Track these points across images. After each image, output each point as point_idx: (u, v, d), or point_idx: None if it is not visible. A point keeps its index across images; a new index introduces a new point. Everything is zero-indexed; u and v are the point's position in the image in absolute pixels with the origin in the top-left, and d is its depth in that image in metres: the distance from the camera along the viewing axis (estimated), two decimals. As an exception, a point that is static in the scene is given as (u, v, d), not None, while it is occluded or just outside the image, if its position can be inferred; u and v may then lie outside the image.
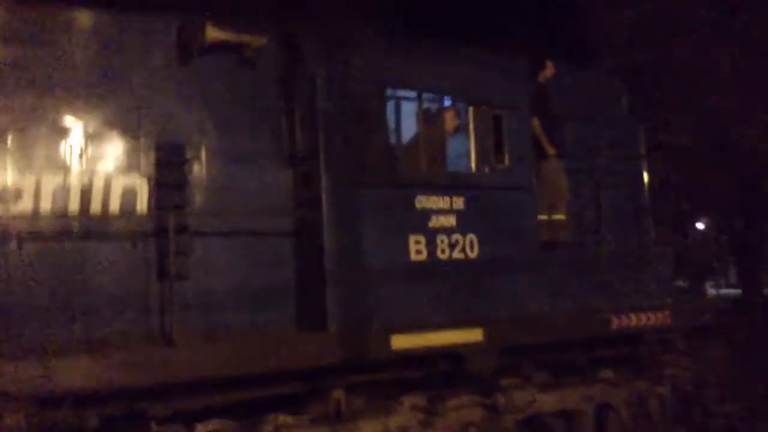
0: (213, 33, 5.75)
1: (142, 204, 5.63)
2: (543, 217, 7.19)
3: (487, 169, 6.67)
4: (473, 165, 6.66)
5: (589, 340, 7.26)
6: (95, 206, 5.45)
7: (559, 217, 7.29)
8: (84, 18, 5.55)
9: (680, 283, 9.95)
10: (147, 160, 5.67)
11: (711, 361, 8.00)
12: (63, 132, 5.41)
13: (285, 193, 6.16)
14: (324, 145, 5.94)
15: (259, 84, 6.14)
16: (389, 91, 6.25)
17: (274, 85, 6.19)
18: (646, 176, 8.25)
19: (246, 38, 5.96)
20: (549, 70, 7.33)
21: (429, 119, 6.61)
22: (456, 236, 6.44)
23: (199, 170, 5.86)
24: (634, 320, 7.28)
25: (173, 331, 5.27)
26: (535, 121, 7.11)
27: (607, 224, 7.51)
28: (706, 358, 7.95)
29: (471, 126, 6.66)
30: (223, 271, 5.84)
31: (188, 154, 5.78)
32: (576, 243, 7.40)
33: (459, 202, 6.49)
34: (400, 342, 6.00)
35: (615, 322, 7.16)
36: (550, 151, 7.16)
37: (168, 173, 5.69)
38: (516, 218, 6.77)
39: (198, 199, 5.83)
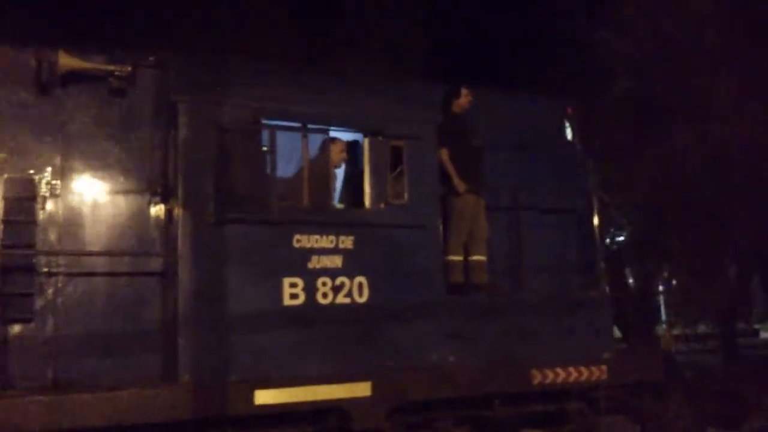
0: (66, 60, 5.46)
1: (-14, 242, 5.34)
2: (457, 258, 6.52)
3: (382, 205, 6.11)
4: (367, 200, 6.10)
5: (515, 395, 6.49)
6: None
7: (478, 258, 6.60)
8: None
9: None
10: (-6, 196, 5.38)
11: (665, 420, 7.08)
12: None
13: (154, 230, 5.76)
14: (183, 179, 5.52)
15: (130, 115, 5.82)
16: (266, 121, 5.78)
17: (146, 115, 5.84)
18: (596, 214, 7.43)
19: (109, 66, 5.64)
20: (464, 99, 6.68)
21: (314, 151, 6.11)
22: (341, 279, 5.87)
23: (54, 206, 5.53)
24: (561, 375, 6.48)
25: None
26: (445, 154, 6.48)
27: (534, 267, 6.75)
28: (658, 416, 7.04)
29: (366, 158, 6.13)
30: (78, 315, 5.50)
31: (41, 190, 5.47)
32: (496, 287, 6.67)
33: (347, 242, 5.94)
34: (266, 397, 5.46)
35: (537, 377, 6.40)
36: (461, 186, 6.47)
37: (15, 209, 5.37)
38: (415, 259, 6.13)
39: (52, 237, 5.50)
